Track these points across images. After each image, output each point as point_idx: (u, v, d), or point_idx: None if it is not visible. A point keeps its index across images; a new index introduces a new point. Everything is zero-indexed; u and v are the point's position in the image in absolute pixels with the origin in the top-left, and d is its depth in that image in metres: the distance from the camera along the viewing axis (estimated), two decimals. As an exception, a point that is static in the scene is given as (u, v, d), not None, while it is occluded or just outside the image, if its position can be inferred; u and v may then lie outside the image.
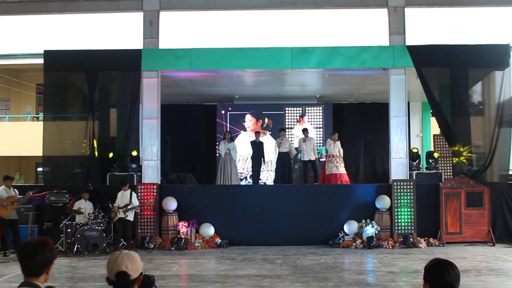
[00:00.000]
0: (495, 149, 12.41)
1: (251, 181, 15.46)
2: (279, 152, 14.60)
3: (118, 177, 12.41)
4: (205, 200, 12.65)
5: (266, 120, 17.41)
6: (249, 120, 17.36)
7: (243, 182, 16.18)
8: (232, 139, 14.58)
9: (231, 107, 17.38)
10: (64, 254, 10.78)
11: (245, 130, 17.31)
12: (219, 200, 12.66)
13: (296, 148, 15.68)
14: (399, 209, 12.25)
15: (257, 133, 15.28)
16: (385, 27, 13.42)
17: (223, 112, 17.30)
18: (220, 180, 14.03)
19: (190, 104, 17.78)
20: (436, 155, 13.40)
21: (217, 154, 16.21)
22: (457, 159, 12.52)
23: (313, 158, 14.46)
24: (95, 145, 12.72)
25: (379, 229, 11.99)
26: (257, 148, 14.86)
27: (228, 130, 15.75)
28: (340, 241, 11.97)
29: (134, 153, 12.87)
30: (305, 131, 14.70)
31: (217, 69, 13.35)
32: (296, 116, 17.24)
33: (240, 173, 15.57)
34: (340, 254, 11.00)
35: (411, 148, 13.88)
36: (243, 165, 16.73)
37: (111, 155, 12.85)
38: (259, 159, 14.82)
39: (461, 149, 12.45)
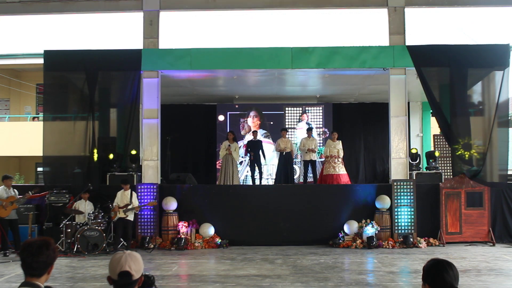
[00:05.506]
0: (488, 149, 12.37)
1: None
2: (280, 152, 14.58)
3: (118, 177, 12.41)
4: (205, 200, 12.65)
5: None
6: (255, 116, 17.26)
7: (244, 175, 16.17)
8: (234, 139, 14.46)
9: (237, 105, 17.32)
10: (64, 254, 10.78)
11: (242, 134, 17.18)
12: (219, 200, 12.65)
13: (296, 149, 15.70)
14: (399, 209, 12.24)
15: (254, 132, 15.24)
16: (385, 27, 13.41)
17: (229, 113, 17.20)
18: (222, 181, 13.99)
19: (190, 104, 17.77)
20: (437, 154, 13.42)
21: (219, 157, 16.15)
22: (460, 151, 12.43)
23: (314, 159, 14.46)
24: (95, 145, 12.72)
25: (379, 229, 11.99)
26: (255, 147, 14.78)
27: (230, 130, 15.64)
28: (340, 241, 11.97)
29: (133, 151, 12.85)
30: (309, 130, 14.70)
31: (217, 69, 13.36)
32: (296, 116, 17.22)
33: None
34: (340, 254, 11.00)
35: (410, 148, 13.88)
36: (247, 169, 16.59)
37: (111, 156, 12.84)
38: (258, 159, 14.72)
39: (461, 151, 12.40)
